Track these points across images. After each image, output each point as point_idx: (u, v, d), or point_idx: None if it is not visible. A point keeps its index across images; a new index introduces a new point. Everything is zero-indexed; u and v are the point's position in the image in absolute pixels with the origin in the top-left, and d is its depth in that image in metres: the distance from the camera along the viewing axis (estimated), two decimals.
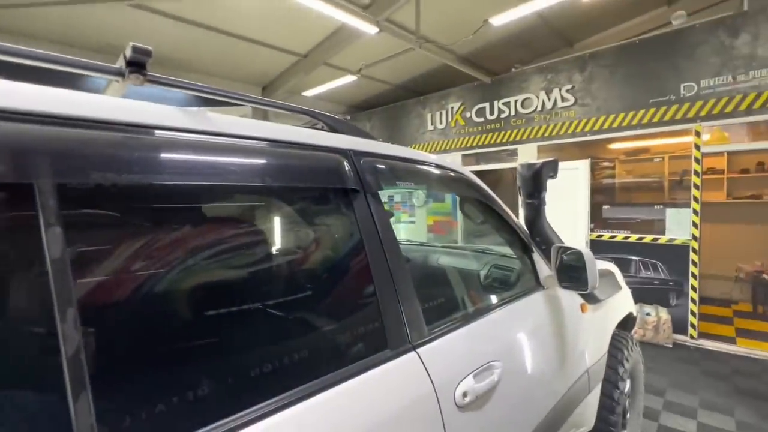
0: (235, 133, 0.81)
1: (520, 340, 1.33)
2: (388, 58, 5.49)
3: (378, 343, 0.91)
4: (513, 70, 5.39)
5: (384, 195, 1.14)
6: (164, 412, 0.60)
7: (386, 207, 1.09)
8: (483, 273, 1.84)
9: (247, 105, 0.98)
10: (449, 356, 1.03)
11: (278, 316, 0.84)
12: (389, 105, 6.93)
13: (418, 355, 0.95)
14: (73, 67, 0.70)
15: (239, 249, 0.85)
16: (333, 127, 1.11)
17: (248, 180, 0.79)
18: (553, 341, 1.48)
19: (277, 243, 1.02)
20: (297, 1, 3.59)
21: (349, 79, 5.66)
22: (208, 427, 0.61)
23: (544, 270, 1.64)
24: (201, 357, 0.70)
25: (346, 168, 0.98)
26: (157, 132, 0.69)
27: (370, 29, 4.07)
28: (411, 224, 6.15)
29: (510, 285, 1.66)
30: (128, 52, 0.70)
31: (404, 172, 1.17)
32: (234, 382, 0.69)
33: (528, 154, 5.13)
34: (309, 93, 6.40)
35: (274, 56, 5.62)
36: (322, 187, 0.97)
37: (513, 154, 5.36)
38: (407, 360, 0.93)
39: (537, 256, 1.65)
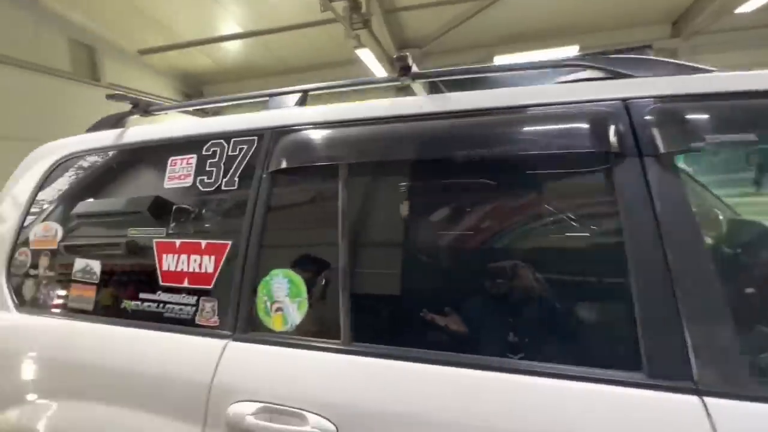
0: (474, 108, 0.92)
1: None
2: None
3: (625, 360, 0.73)
4: None
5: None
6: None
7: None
8: None
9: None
10: None
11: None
12: None
13: (704, 405, 0.66)
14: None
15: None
16: (614, 71, 0.90)
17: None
18: None
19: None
20: None
21: None
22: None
23: None
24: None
25: (609, 126, 0.81)
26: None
27: None
28: None
29: None
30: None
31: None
32: None
33: None
34: (746, 8, 4.35)
35: None
36: (570, 153, 0.83)
37: None
38: (679, 401, 0.68)
39: None
